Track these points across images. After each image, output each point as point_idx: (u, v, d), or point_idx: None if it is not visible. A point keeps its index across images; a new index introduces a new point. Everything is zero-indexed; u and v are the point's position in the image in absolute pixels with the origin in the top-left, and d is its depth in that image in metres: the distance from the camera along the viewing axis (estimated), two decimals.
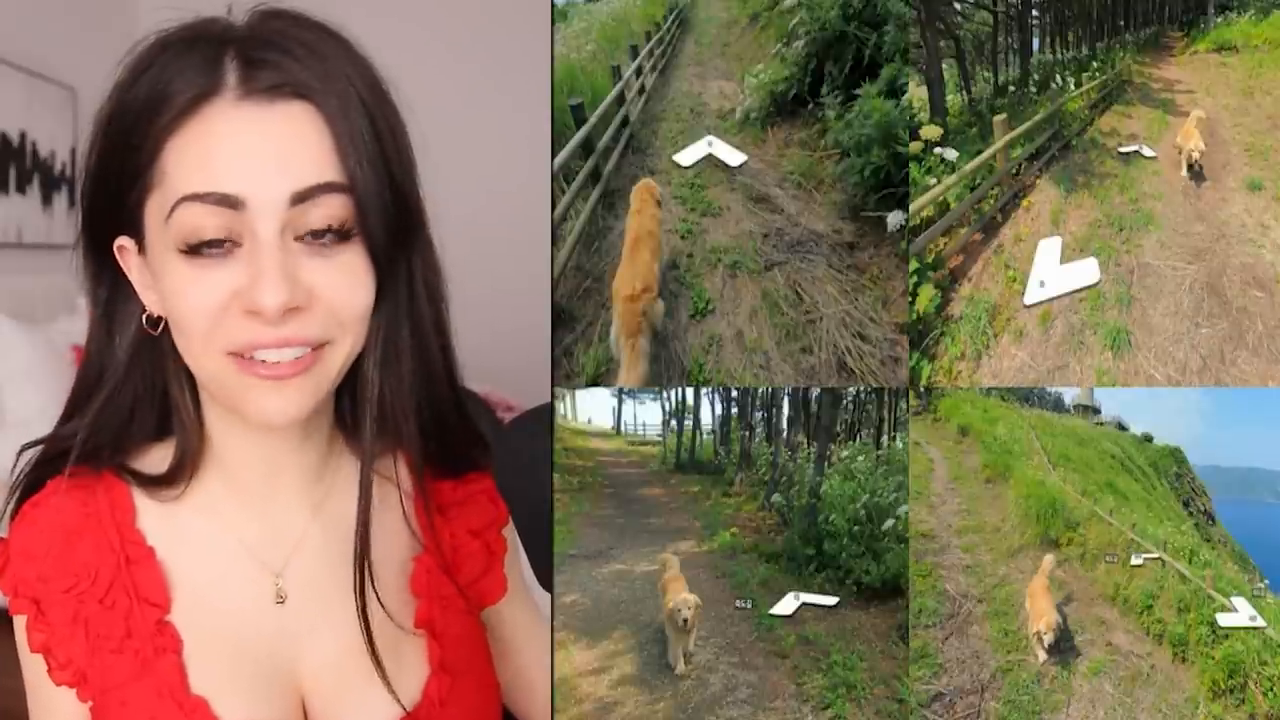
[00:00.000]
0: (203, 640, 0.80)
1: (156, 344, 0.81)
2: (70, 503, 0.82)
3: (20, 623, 0.82)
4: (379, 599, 0.81)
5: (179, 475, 0.82)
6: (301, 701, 0.82)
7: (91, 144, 0.77)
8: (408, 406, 0.80)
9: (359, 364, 0.78)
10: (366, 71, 0.76)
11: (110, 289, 0.81)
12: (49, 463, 0.84)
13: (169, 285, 0.72)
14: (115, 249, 0.78)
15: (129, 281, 0.79)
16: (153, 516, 0.83)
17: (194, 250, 0.71)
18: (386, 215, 0.73)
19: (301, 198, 0.70)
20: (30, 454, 0.84)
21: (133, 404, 0.82)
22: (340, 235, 0.73)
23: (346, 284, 0.73)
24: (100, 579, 0.80)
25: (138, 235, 0.76)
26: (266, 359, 0.72)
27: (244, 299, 0.70)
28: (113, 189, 0.75)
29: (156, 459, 0.85)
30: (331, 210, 0.72)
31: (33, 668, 0.82)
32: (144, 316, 0.80)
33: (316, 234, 0.72)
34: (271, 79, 0.71)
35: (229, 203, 0.69)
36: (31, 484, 0.84)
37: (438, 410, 0.83)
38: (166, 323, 0.78)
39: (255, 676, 0.80)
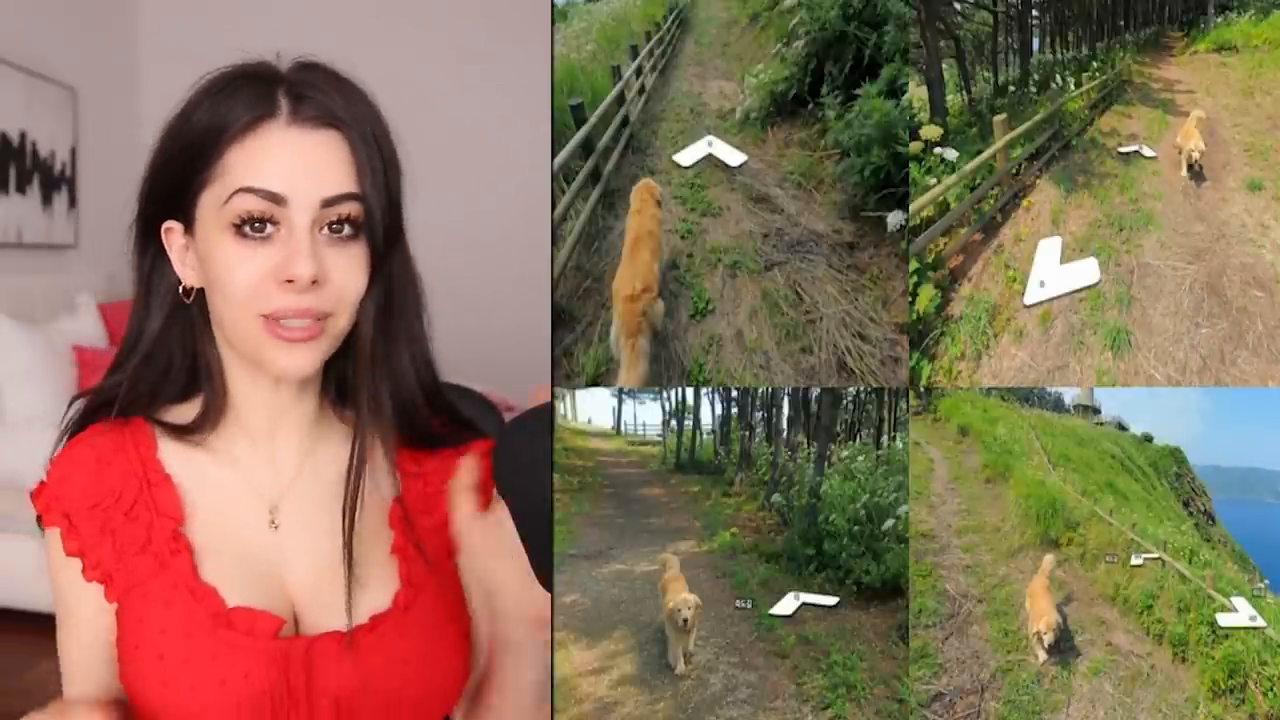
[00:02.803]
0: (210, 547, 0.99)
1: (188, 313, 1.01)
2: (102, 439, 1.02)
3: (54, 535, 1.00)
4: (352, 530, 0.99)
5: (206, 422, 1.02)
6: (290, 603, 1.00)
7: (160, 147, 0.97)
8: (386, 374, 1.00)
9: (355, 340, 0.98)
10: (376, 112, 0.97)
11: (152, 264, 1.00)
12: (95, 411, 1.03)
13: (219, 260, 0.93)
14: (162, 231, 0.98)
15: (168, 258, 0.99)
16: (171, 451, 1.03)
17: (243, 227, 0.92)
18: (384, 221, 0.96)
19: (329, 202, 0.92)
20: (79, 403, 1.04)
21: (167, 362, 1.02)
22: (352, 231, 0.94)
23: (352, 270, 0.94)
24: (125, 497, 1.00)
25: (187, 220, 0.96)
26: (286, 324, 0.92)
27: (281, 271, 0.91)
28: (174, 181, 0.95)
29: (183, 414, 1.03)
30: (349, 210, 0.94)
31: (64, 573, 1.00)
32: (180, 288, 0.99)
33: (335, 225, 0.93)
34: (313, 112, 0.93)
35: (275, 199, 0.91)
36: (78, 429, 1.04)
37: (410, 381, 1.02)
38: (197, 293, 0.99)
39: (253, 575, 0.99)
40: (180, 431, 1.03)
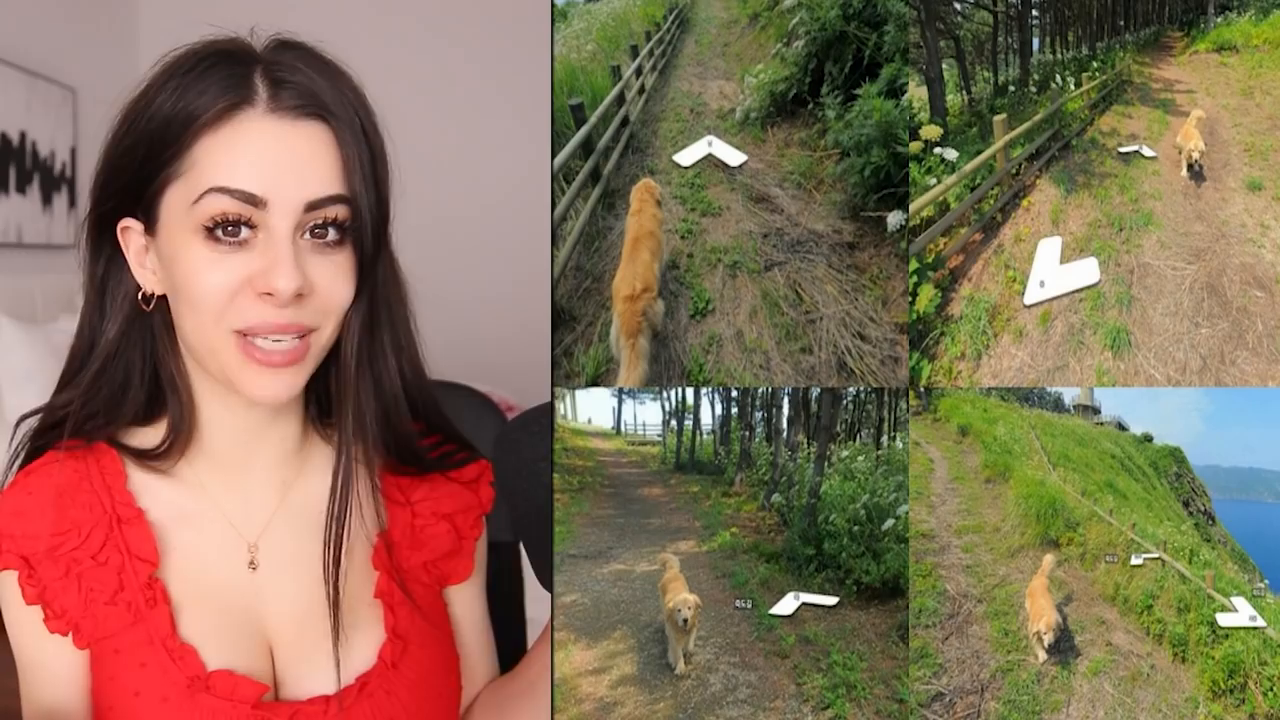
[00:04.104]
0: (187, 597, 0.88)
1: (148, 322, 0.89)
2: (62, 468, 0.89)
3: (9, 579, 0.87)
4: (339, 576, 0.89)
5: (172, 447, 0.90)
6: (270, 653, 0.90)
7: (116, 135, 0.85)
8: (373, 391, 0.91)
9: (338, 353, 0.88)
10: (363, 101, 0.86)
11: (107, 266, 0.89)
12: (46, 432, 0.91)
13: (186, 264, 0.81)
14: (119, 230, 0.86)
15: (125, 261, 0.87)
16: (141, 481, 0.90)
17: (216, 231, 0.80)
18: (373, 224, 0.85)
19: (314, 206, 0.82)
20: (28, 424, 0.91)
21: (125, 377, 0.90)
22: (338, 236, 0.84)
23: (338, 279, 0.84)
24: (93, 538, 0.87)
25: (148, 218, 0.84)
26: (264, 346, 0.82)
27: (259, 283, 0.80)
28: (134, 174, 0.83)
29: (146, 438, 0.92)
30: (336, 213, 0.83)
31: (23, 622, 0.88)
32: (139, 295, 0.88)
33: (319, 230, 0.83)
34: (296, 99, 0.82)
35: (253, 201, 0.80)
36: (30, 454, 0.92)
37: (398, 398, 0.93)
38: (158, 301, 0.87)
39: (232, 628, 0.88)
40: (144, 458, 0.90)
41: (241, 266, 0.81)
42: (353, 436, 0.89)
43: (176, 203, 0.82)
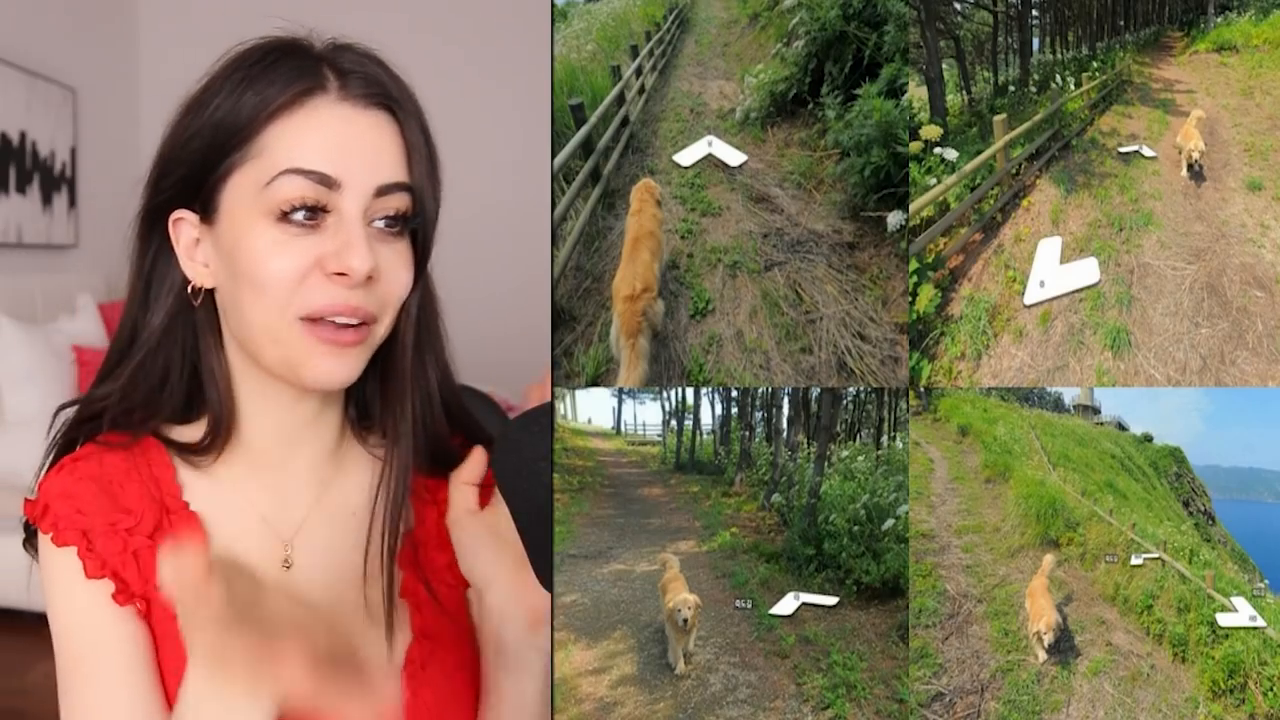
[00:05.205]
0: None
1: (191, 318, 0.89)
2: (112, 457, 0.89)
3: (66, 556, 0.86)
4: (393, 567, 0.90)
5: (213, 443, 0.90)
6: None
7: (179, 125, 0.86)
8: (415, 386, 0.92)
9: (388, 351, 0.89)
10: (417, 99, 0.89)
11: (154, 260, 0.89)
12: (83, 423, 0.91)
13: (253, 248, 0.82)
14: (171, 222, 0.87)
15: (173, 254, 0.88)
16: (187, 476, 0.91)
17: (288, 215, 0.82)
18: (432, 216, 0.88)
19: (382, 191, 0.84)
20: (65, 414, 0.92)
21: (165, 371, 0.90)
22: (399, 227, 0.86)
23: (399, 267, 0.86)
24: (146, 520, 0.87)
25: (206, 208, 0.85)
26: (336, 321, 0.83)
27: (330, 263, 0.82)
28: (196, 164, 0.84)
29: (186, 435, 0.92)
30: (400, 203, 0.85)
31: (82, 599, 0.85)
32: (189, 288, 0.88)
33: (390, 221, 0.85)
34: (364, 88, 0.85)
35: (327, 182, 0.82)
36: (68, 444, 0.92)
37: (435, 399, 0.94)
38: (204, 298, 0.88)
39: None
40: (185, 453, 0.90)
41: (311, 249, 0.82)
42: (407, 434, 0.90)
43: (243, 188, 0.83)
